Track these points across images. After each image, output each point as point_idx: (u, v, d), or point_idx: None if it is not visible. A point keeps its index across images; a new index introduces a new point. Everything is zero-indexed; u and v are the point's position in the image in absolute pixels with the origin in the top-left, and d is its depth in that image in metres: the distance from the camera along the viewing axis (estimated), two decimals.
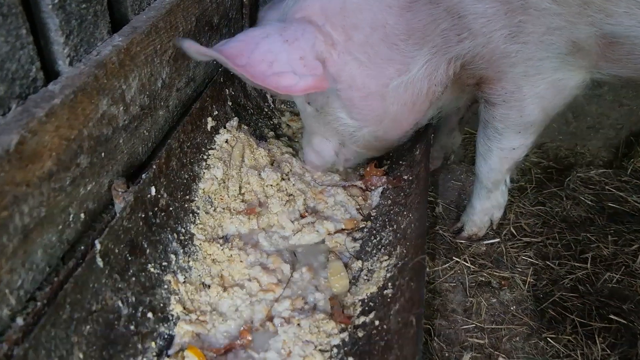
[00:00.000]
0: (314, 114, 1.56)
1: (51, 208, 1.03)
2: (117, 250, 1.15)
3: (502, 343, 1.43)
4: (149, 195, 1.29)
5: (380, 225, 1.53)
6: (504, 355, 1.38)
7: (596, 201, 1.91)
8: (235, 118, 1.74)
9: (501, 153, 1.53)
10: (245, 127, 1.77)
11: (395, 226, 1.45)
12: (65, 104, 1.03)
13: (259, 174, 1.61)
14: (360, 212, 1.62)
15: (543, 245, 1.73)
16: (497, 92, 1.39)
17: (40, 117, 0.95)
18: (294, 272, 1.43)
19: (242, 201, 1.57)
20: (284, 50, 1.29)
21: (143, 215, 1.26)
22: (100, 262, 1.09)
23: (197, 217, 1.47)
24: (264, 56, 1.27)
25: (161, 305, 1.23)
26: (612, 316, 1.46)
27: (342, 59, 1.36)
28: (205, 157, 1.58)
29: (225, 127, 1.69)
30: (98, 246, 1.08)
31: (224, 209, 1.53)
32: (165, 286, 1.27)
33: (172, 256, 1.33)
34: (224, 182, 1.57)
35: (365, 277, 1.38)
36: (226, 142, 1.65)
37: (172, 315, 1.23)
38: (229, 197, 1.55)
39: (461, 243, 1.70)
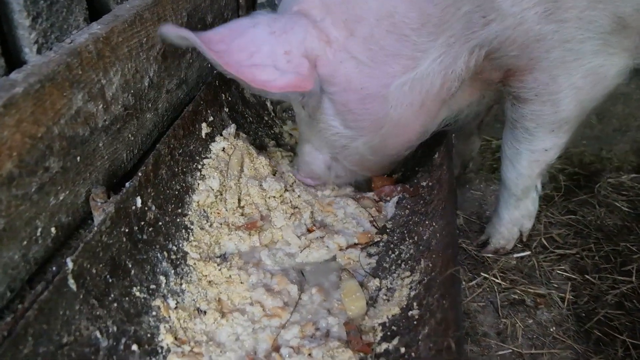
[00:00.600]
0: (307, 120, 1.40)
1: (12, 219, 0.86)
2: (94, 271, 0.97)
3: None
4: (133, 207, 1.12)
5: (398, 238, 1.35)
6: None
7: (632, 208, 1.73)
8: (233, 125, 1.58)
9: (532, 156, 1.36)
10: (244, 135, 1.61)
11: (416, 238, 1.28)
12: (29, 94, 0.87)
13: (260, 185, 1.44)
14: (374, 225, 1.45)
15: (579, 258, 1.55)
16: (529, 85, 1.23)
17: None
18: (302, 293, 1.24)
19: (242, 215, 1.39)
20: (268, 42, 1.16)
21: (127, 230, 1.09)
22: (72, 285, 0.91)
23: (190, 234, 1.29)
24: (245, 45, 1.13)
25: (148, 335, 1.04)
26: None
27: (338, 57, 1.21)
28: (199, 166, 1.41)
29: (221, 135, 1.53)
30: (70, 265, 0.91)
31: (221, 224, 1.36)
32: (154, 313, 1.08)
33: (162, 278, 1.15)
34: (221, 194, 1.40)
35: (384, 297, 1.20)
36: (223, 150, 1.48)
37: (162, 348, 1.05)
38: (226, 210, 1.38)
39: (488, 257, 1.52)
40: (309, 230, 1.42)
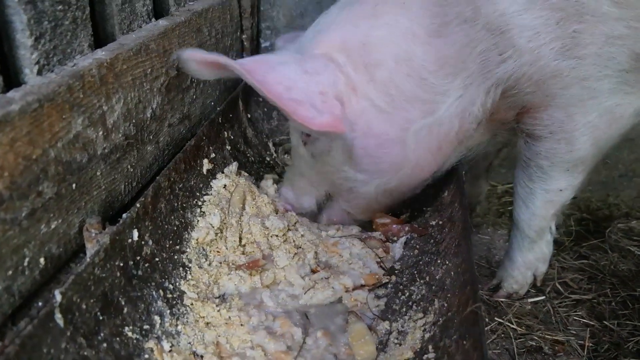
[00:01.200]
0: (308, 157, 1.38)
1: None
2: (84, 306, 0.90)
3: None
4: (129, 240, 1.05)
5: (407, 279, 1.28)
6: None
7: None
8: (235, 163, 1.53)
9: (546, 196, 1.31)
10: (246, 174, 1.56)
11: (427, 278, 1.21)
12: (26, 112, 0.82)
13: (263, 223, 1.38)
14: (381, 266, 1.38)
15: (596, 303, 1.47)
16: (544, 122, 1.20)
17: None
18: (306, 337, 1.16)
19: (243, 254, 1.32)
20: (303, 81, 1.14)
21: (121, 264, 1.02)
22: (60, 320, 0.83)
23: (188, 272, 1.22)
24: (280, 79, 1.12)
25: None
26: None
27: (361, 105, 1.20)
28: (199, 202, 1.35)
29: (223, 172, 1.48)
30: (59, 298, 0.83)
31: (220, 263, 1.29)
32: (146, 356, 0.99)
33: (157, 318, 1.07)
34: (222, 232, 1.34)
35: (395, 341, 1.11)
36: (224, 187, 1.43)
37: None
38: (227, 249, 1.31)
39: (501, 302, 1.44)
40: (313, 271, 1.34)
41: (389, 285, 1.31)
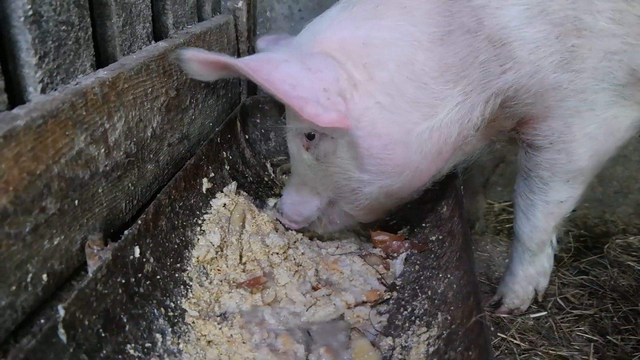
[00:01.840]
0: (311, 162, 1.36)
1: (2, 261, 0.79)
2: (87, 322, 0.89)
3: None
4: (131, 257, 1.05)
5: (409, 294, 1.28)
6: None
7: None
8: (234, 182, 1.54)
9: (547, 208, 1.32)
10: (245, 193, 1.57)
11: (429, 292, 1.20)
12: (30, 128, 0.83)
13: (263, 241, 1.38)
14: (382, 283, 1.37)
15: (598, 319, 1.47)
16: (543, 132, 1.22)
17: None
18: (309, 354, 1.15)
19: (244, 271, 1.32)
20: (307, 78, 1.13)
21: (123, 281, 1.01)
22: (62, 335, 0.82)
23: (189, 290, 1.21)
24: (285, 78, 1.11)
25: None
26: None
27: (364, 102, 1.20)
28: (199, 221, 1.35)
29: (222, 192, 1.49)
30: (62, 313, 0.82)
31: (221, 281, 1.28)
32: None
33: (158, 336, 1.06)
34: (222, 250, 1.33)
35: (399, 357, 1.10)
36: (224, 206, 1.44)
37: None
38: (227, 267, 1.31)
39: (504, 318, 1.44)
40: (314, 288, 1.34)
41: (391, 301, 1.30)
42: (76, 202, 0.96)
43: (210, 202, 1.43)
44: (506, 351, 1.34)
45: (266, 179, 1.84)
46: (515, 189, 1.38)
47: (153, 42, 1.34)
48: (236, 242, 1.35)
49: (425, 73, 1.17)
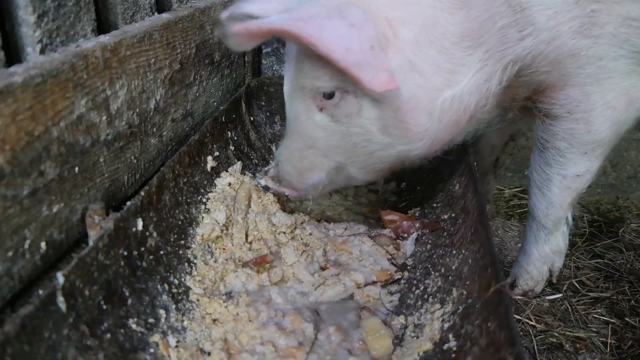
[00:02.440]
0: (325, 124, 1.24)
1: None
2: (87, 293, 0.85)
3: None
4: (134, 229, 1.01)
5: (421, 273, 1.23)
6: None
7: None
8: (239, 162, 1.50)
9: (563, 182, 1.28)
10: (250, 174, 1.53)
11: (443, 270, 1.16)
12: (28, 86, 0.79)
13: (270, 220, 1.34)
14: (393, 263, 1.33)
15: (615, 301, 1.42)
16: (561, 101, 1.18)
17: None
18: (318, 333, 1.10)
19: (250, 250, 1.28)
20: (355, 37, 1.03)
21: (125, 254, 0.97)
22: (62, 304, 0.78)
23: (193, 268, 1.17)
24: (337, 40, 1.01)
25: None
26: None
27: (397, 60, 1.10)
28: (204, 199, 1.31)
29: (227, 171, 1.44)
30: (61, 280, 0.78)
31: (227, 259, 1.24)
32: (151, 350, 0.94)
33: (162, 312, 1.02)
34: (227, 229, 1.29)
35: (412, 335, 1.06)
36: (229, 185, 1.39)
37: None
38: (233, 245, 1.27)
39: (519, 300, 1.39)
40: (323, 268, 1.29)
41: (402, 281, 1.26)
42: (76, 169, 0.92)
43: (215, 181, 1.39)
44: (522, 333, 1.29)
45: (272, 162, 1.80)
46: (531, 164, 1.33)
47: (156, 13, 1.30)
48: (242, 220, 1.31)
49: (446, 37, 1.11)
